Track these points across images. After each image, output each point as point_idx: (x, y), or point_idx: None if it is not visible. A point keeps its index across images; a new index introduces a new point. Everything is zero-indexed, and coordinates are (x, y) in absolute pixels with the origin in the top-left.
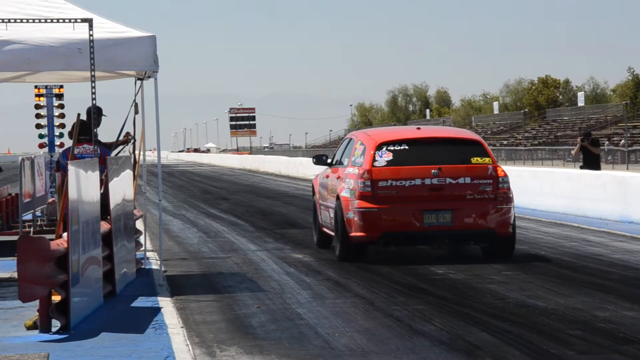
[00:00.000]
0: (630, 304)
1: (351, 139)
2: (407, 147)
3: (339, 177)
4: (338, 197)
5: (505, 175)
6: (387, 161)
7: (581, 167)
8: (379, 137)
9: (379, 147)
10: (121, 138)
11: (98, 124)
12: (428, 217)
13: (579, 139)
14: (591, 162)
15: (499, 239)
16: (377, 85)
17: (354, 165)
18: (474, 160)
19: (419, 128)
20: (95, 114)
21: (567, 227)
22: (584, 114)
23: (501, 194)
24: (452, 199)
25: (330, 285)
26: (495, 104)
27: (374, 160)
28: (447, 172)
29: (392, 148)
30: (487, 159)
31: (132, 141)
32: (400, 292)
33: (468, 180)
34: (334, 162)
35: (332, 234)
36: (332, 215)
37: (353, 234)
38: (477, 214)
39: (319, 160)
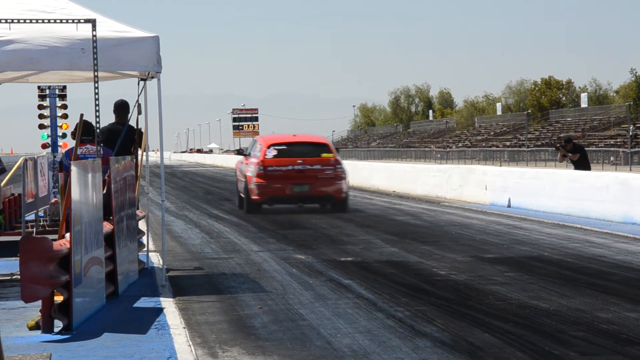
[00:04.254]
0: (633, 306)
1: (256, 140)
2: (285, 147)
3: (247, 163)
4: (245, 176)
5: (340, 163)
6: (273, 155)
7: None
8: (270, 141)
9: (269, 147)
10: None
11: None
12: (295, 188)
13: (557, 145)
14: (577, 164)
15: (337, 200)
16: (380, 86)
17: (255, 157)
18: (323, 155)
19: (294, 135)
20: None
21: (570, 229)
22: (587, 115)
23: (338, 174)
24: (310, 177)
25: (333, 286)
26: (499, 105)
27: (265, 154)
28: (307, 162)
29: (277, 147)
30: (330, 154)
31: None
32: (402, 293)
33: (319, 166)
34: (247, 154)
35: (243, 196)
36: (243, 186)
37: (253, 197)
38: (324, 185)
39: (239, 152)
